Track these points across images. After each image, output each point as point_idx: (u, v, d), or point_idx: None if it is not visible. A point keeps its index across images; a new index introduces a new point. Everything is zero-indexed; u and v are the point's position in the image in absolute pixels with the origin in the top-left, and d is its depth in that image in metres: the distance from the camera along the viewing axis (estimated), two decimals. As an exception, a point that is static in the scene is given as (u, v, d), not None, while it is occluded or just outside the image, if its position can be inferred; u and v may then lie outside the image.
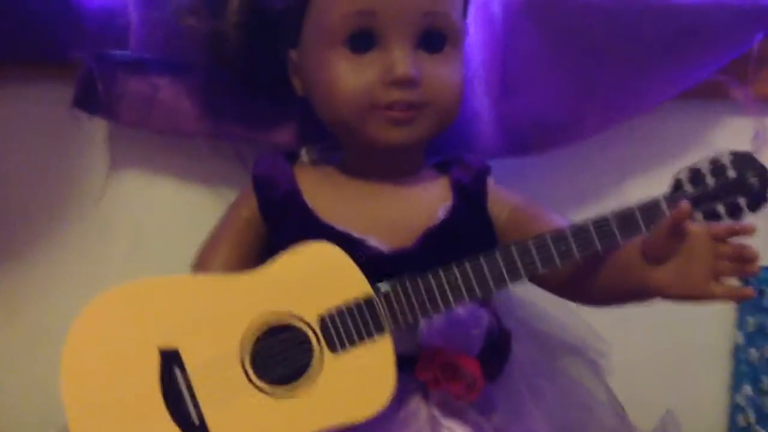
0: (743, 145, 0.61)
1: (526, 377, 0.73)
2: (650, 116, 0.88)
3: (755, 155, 0.62)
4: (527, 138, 0.84)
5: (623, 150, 0.90)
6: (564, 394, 0.75)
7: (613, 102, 0.85)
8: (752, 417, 0.92)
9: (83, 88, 0.81)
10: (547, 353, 0.79)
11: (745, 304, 0.93)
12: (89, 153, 0.90)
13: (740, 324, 0.94)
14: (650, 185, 0.64)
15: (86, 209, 0.90)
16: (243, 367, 0.61)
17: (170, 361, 0.61)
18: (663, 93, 0.85)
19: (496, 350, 0.70)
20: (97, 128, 0.88)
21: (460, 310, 0.66)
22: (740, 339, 0.94)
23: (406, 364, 0.65)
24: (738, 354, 0.95)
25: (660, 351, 0.96)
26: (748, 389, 0.93)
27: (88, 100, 0.81)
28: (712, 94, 0.87)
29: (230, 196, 0.79)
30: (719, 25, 0.84)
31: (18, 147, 0.89)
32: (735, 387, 0.95)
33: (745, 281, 0.89)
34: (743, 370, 0.94)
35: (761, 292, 0.89)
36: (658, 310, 0.92)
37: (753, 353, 0.92)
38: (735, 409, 0.95)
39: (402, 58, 0.67)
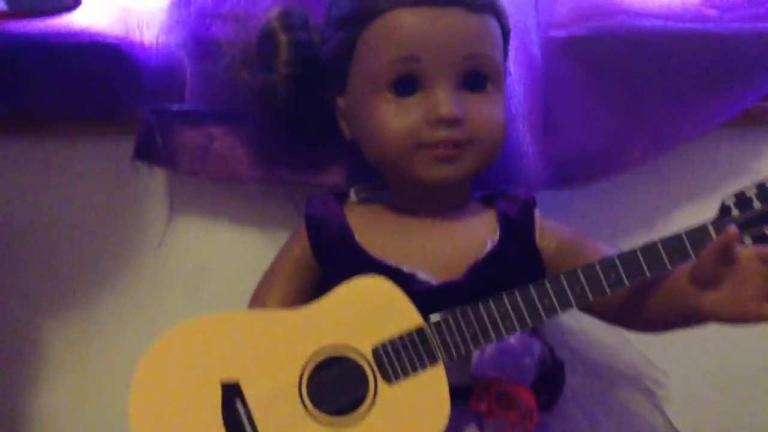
0: None
1: (582, 407, 0.73)
2: (695, 145, 0.88)
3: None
4: (572, 171, 0.86)
5: (669, 179, 0.91)
6: (621, 423, 0.75)
7: (655, 133, 0.86)
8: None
9: (143, 140, 0.85)
10: (602, 383, 0.79)
11: (803, 332, 0.91)
12: (149, 202, 0.93)
13: (801, 352, 0.92)
14: (697, 213, 0.65)
15: (146, 257, 0.93)
16: (301, 398, 0.63)
17: (232, 393, 0.63)
18: (705, 123, 0.86)
19: (549, 380, 0.70)
20: (156, 178, 0.92)
21: (512, 340, 0.67)
22: (801, 367, 0.92)
23: (460, 395, 0.66)
24: (801, 384, 0.93)
25: (721, 379, 0.94)
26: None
27: (148, 151, 0.86)
28: (756, 121, 0.88)
29: (284, 238, 0.81)
30: (759, 52, 0.85)
31: (81, 198, 0.93)
32: (800, 418, 0.93)
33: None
34: (807, 400, 0.91)
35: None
36: (716, 337, 0.93)
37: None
38: (799, 439, 0.93)
39: (445, 99, 0.69)
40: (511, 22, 0.77)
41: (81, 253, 0.94)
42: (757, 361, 0.94)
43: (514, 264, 0.72)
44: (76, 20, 0.85)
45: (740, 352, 0.94)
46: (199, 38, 0.84)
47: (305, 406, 0.63)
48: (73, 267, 0.94)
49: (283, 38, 0.77)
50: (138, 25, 0.86)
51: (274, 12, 0.79)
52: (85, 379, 0.95)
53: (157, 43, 0.86)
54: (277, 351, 0.64)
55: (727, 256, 0.58)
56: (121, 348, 0.93)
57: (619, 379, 0.81)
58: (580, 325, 0.82)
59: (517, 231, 0.74)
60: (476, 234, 0.73)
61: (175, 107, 0.86)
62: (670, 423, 0.79)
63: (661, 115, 0.86)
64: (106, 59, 0.86)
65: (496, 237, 0.73)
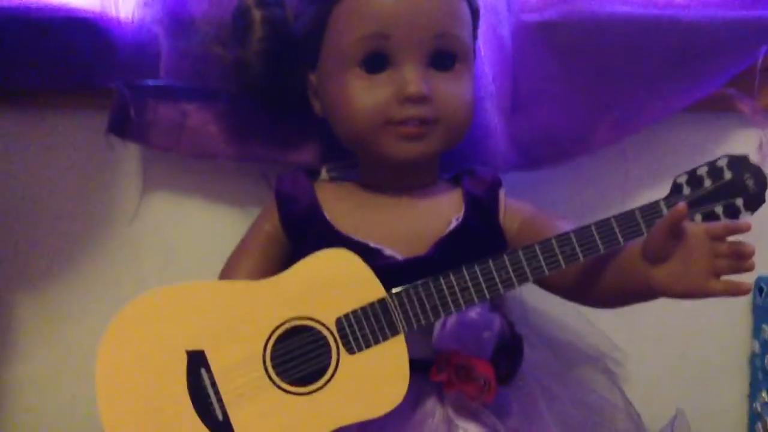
0: (750, 156, 0.63)
1: (539, 381, 0.75)
2: (658, 129, 0.90)
3: (758, 163, 0.64)
4: (538, 152, 0.87)
5: (632, 162, 0.93)
6: (578, 398, 0.77)
7: (621, 116, 0.87)
8: (770, 423, 0.92)
9: (117, 115, 0.86)
10: (562, 360, 0.81)
11: (759, 312, 0.94)
12: (122, 177, 0.94)
13: (756, 332, 0.95)
14: (660, 194, 0.66)
15: (119, 231, 0.94)
16: (265, 367, 0.65)
17: (196, 361, 0.64)
18: (670, 107, 0.88)
19: (508, 353, 0.72)
20: (130, 153, 0.92)
21: (472, 314, 0.68)
22: (756, 347, 0.95)
23: (421, 367, 0.68)
24: (754, 362, 0.95)
25: (678, 361, 0.97)
26: (765, 396, 0.93)
27: (122, 126, 0.86)
28: (718, 107, 0.89)
29: (255, 214, 0.83)
30: (725, 39, 0.87)
31: (54, 171, 0.94)
32: (752, 395, 0.96)
33: (759, 289, 0.91)
34: (760, 378, 0.94)
35: (775, 300, 0.91)
36: (675, 320, 0.95)
37: (768, 360, 0.93)
38: (754, 416, 0.96)
39: (414, 77, 0.70)
40: (482, 4, 0.78)
41: (54, 227, 0.94)
42: (715, 345, 0.97)
43: (478, 241, 0.73)
44: (54, -5, 0.86)
45: (700, 335, 0.97)
46: (175, 14, 0.84)
47: (269, 375, 0.65)
48: (47, 240, 0.94)
49: (257, 14, 0.78)
50: (114, 1, 0.86)
51: (249, -12, 0.79)
52: (59, 352, 0.95)
53: (132, 19, 0.86)
54: (242, 320, 0.65)
55: (676, 232, 0.60)
56: (93, 321, 0.91)
57: (579, 356, 0.82)
58: (542, 306, 0.83)
59: (481, 209, 0.76)
60: (442, 211, 0.75)
61: (150, 83, 0.86)
62: (628, 400, 0.80)
63: (626, 98, 0.87)
64: (81, 34, 0.85)
65: (461, 215, 0.74)
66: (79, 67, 0.87)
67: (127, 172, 0.94)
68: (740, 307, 0.97)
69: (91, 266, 0.95)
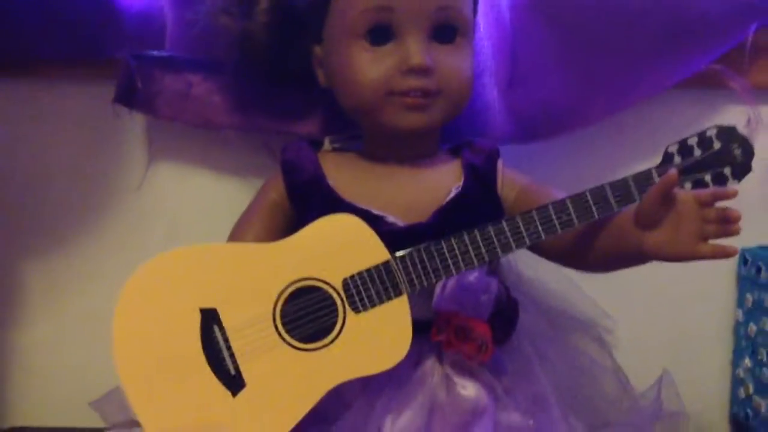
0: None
1: (533, 344, 0.78)
2: (652, 104, 0.93)
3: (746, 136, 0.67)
4: (536, 125, 0.90)
5: (627, 136, 0.95)
6: (569, 360, 0.80)
7: (616, 90, 0.90)
8: (751, 388, 0.96)
9: (124, 85, 0.87)
10: (554, 325, 0.84)
11: (744, 282, 0.98)
12: (128, 146, 0.96)
13: (740, 302, 0.99)
14: (651, 167, 0.68)
15: (125, 199, 0.97)
16: (275, 325, 0.68)
17: (210, 319, 0.67)
18: (663, 82, 0.90)
19: (504, 316, 0.75)
20: (136, 123, 0.94)
21: (471, 278, 0.71)
22: (740, 316, 0.99)
23: (422, 328, 0.71)
24: (738, 330, 0.99)
25: (665, 329, 1.01)
26: (747, 362, 0.97)
27: (128, 96, 0.88)
28: (710, 83, 0.92)
29: (259, 184, 0.84)
30: (716, 16, 0.89)
31: (62, 141, 0.96)
32: (736, 361, 1.00)
33: (743, 260, 0.95)
34: (743, 345, 0.98)
35: (758, 269, 0.94)
36: (663, 290, 0.99)
37: (752, 327, 0.96)
38: (736, 382, 1.00)
39: (417, 49, 0.72)
40: (482, -20, 0.80)
41: (62, 195, 0.97)
42: (702, 313, 1.01)
43: (477, 209, 0.76)
44: (60, -33, 0.88)
45: (687, 304, 1.01)
46: (180, -14, 0.85)
47: (279, 332, 0.68)
48: (54, 208, 0.97)
49: None
50: (120, -27, 0.88)
51: (254, -40, 0.81)
52: (66, 316, 0.98)
53: (138, -10, 0.88)
54: (253, 281, 0.68)
55: (667, 199, 0.63)
56: (100, 286, 0.96)
57: (571, 323, 0.85)
58: (536, 274, 0.86)
59: (480, 179, 0.78)
60: (442, 181, 0.77)
61: (156, 53, 0.88)
62: (617, 364, 0.83)
63: (621, 73, 0.89)
64: (88, 5, 0.87)
65: (461, 184, 0.77)
66: (86, 38, 0.89)
67: (133, 142, 0.96)
68: (725, 278, 1.00)
69: (97, 233, 0.97)
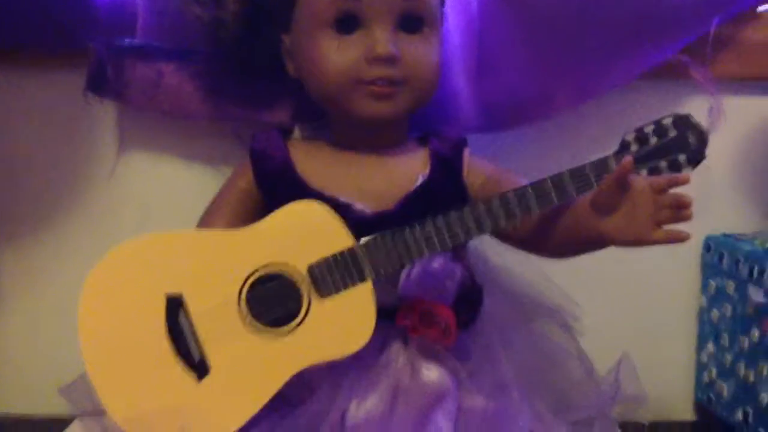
0: (701, 120, 0.67)
1: (497, 329, 0.80)
2: (617, 94, 0.94)
3: (707, 126, 0.69)
4: (502, 114, 0.91)
5: (592, 125, 0.97)
6: (534, 345, 0.82)
7: (581, 81, 0.91)
8: (715, 372, 0.98)
9: (94, 74, 0.88)
10: (521, 313, 0.86)
11: (707, 269, 1.00)
12: (99, 135, 0.97)
13: (704, 288, 1.01)
14: (611, 154, 0.70)
15: (97, 187, 0.97)
16: (240, 310, 0.69)
17: (175, 305, 0.68)
18: (627, 73, 0.92)
19: (468, 301, 0.77)
20: (107, 111, 0.94)
21: (435, 264, 0.72)
22: (704, 302, 1.01)
23: (388, 314, 0.72)
24: (702, 315, 1.02)
25: (631, 316, 1.03)
26: (710, 347, 0.99)
27: (99, 85, 0.88)
28: (673, 74, 0.93)
29: (229, 172, 0.85)
30: (679, 9, 0.91)
31: (32, 130, 0.96)
32: (699, 347, 1.02)
33: (707, 247, 0.97)
34: (706, 330, 1.00)
35: (721, 257, 0.96)
36: (628, 277, 1.00)
37: (714, 313, 0.98)
38: (700, 367, 1.02)
39: (383, 38, 0.73)
40: (449, -30, 0.81)
41: (33, 183, 0.97)
42: (666, 300, 1.03)
43: (443, 197, 0.77)
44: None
45: (652, 291, 1.03)
46: (151, -25, 0.86)
47: (244, 318, 0.69)
48: (26, 196, 0.97)
49: None
50: (92, -38, 0.88)
51: (224, -49, 0.81)
52: (38, 305, 0.99)
53: (109, -22, 0.88)
54: (218, 267, 0.69)
55: (623, 185, 0.64)
56: (72, 274, 0.93)
57: (537, 308, 0.87)
58: (504, 262, 0.87)
59: (447, 167, 0.79)
60: (409, 169, 0.79)
61: (127, 42, 0.88)
62: (581, 349, 0.84)
63: (585, 65, 0.91)
64: (59, -6, 0.87)
65: (427, 172, 0.78)
66: (58, 27, 0.88)
67: (104, 131, 0.97)
68: (689, 265, 1.02)
69: (69, 222, 0.98)
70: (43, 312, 0.98)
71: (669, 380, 1.03)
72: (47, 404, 0.94)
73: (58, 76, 0.94)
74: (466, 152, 0.82)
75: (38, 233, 0.98)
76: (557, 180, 0.67)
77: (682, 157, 0.67)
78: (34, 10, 0.87)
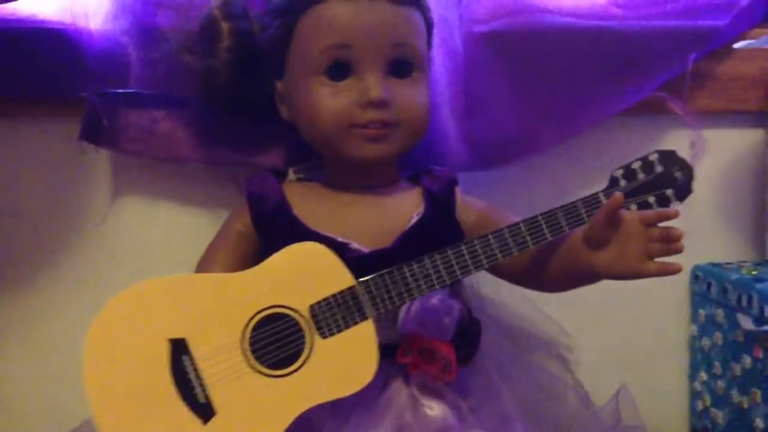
0: (683, 153, 0.71)
1: (496, 363, 0.81)
2: (600, 131, 0.97)
3: (689, 158, 0.72)
4: (490, 153, 0.94)
5: (577, 161, 0.99)
6: (531, 378, 0.83)
7: (565, 118, 0.94)
8: (709, 400, 1.00)
9: (89, 122, 0.89)
10: (517, 347, 0.87)
11: (696, 299, 1.02)
12: (93, 182, 0.97)
13: (694, 317, 1.03)
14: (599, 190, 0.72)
15: (91, 234, 0.97)
16: (243, 352, 0.69)
17: (179, 349, 0.69)
18: (610, 109, 0.95)
19: (467, 336, 0.78)
20: (101, 158, 0.95)
21: (434, 300, 0.74)
22: (695, 331, 1.03)
23: (388, 352, 0.73)
24: (693, 344, 1.03)
25: (623, 346, 1.04)
26: (703, 375, 1.01)
27: (94, 133, 0.89)
28: (654, 109, 0.97)
29: (224, 216, 0.86)
30: (658, 47, 0.94)
31: (27, 178, 0.96)
32: (692, 375, 1.04)
33: (695, 276, 0.99)
34: (698, 359, 1.02)
35: (709, 285, 0.98)
36: (619, 307, 1.02)
37: (705, 342, 1.00)
38: (694, 395, 1.03)
39: (375, 83, 0.76)
40: (435, 16, 0.84)
41: (29, 231, 0.97)
42: (657, 330, 1.05)
43: (437, 234, 0.79)
44: (23, 7, 0.89)
45: (643, 322, 1.05)
46: (144, 25, 0.88)
47: (247, 360, 0.69)
48: (21, 243, 0.97)
49: (224, 26, 0.82)
50: (84, 13, 0.89)
51: (216, 1, 0.83)
52: (35, 351, 0.98)
53: (102, 30, 0.89)
54: (221, 309, 0.70)
55: (613, 220, 0.66)
56: (68, 321, 0.96)
57: (532, 341, 0.88)
58: (497, 296, 0.89)
59: (440, 205, 0.81)
60: (404, 208, 0.80)
61: (120, 91, 0.89)
62: (577, 380, 0.86)
63: (569, 102, 0.94)
64: (52, 45, 0.88)
65: (421, 210, 0.80)
66: (49, 77, 0.90)
67: (98, 177, 0.97)
68: (679, 294, 1.05)
69: (65, 268, 0.98)
70: (40, 358, 0.98)
71: (663, 410, 1.05)
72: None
73: (50, 124, 0.95)
74: (458, 190, 0.84)
75: (33, 279, 0.98)
76: (550, 216, 0.70)
77: (669, 192, 0.69)
78: (25, 61, 0.89)
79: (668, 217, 0.66)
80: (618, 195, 0.65)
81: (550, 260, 0.74)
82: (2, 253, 0.96)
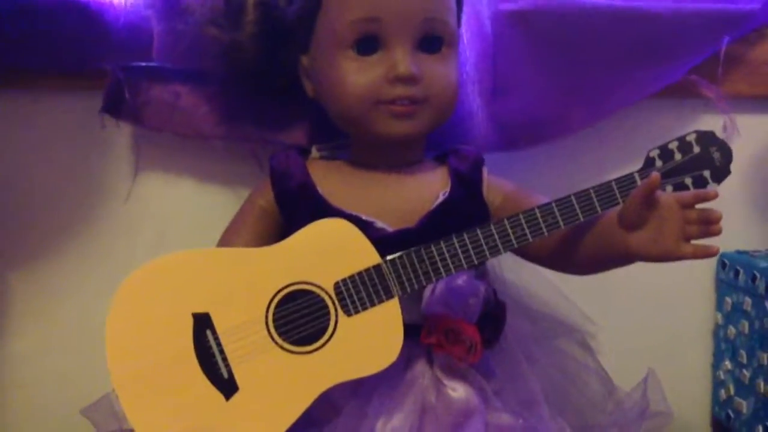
0: None
1: (521, 345, 0.80)
2: (630, 113, 0.96)
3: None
4: (517, 134, 0.92)
5: (606, 144, 0.98)
6: (554, 363, 0.82)
7: (594, 100, 0.93)
8: (732, 389, 0.98)
9: (112, 96, 0.88)
10: (540, 329, 0.86)
11: (722, 286, 1.00)
12: (116, 157, 0.96)
13: (719, 305, 1.01)
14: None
15: (113, 209, 0.97)
16: (267, 328, 0.68)
17: (202, 323, 0.68)
18: (640, 92, 0.93)
19: (492, 319, 0.76)
20: (123, 133, 0.95)
21: (460, 281, 0.72)
22: (720, 319, 1.01)
23: (412, 332, 0.72)
24: (718, 332, 1.02)
25: (647, 333, 1.03)
26: (728, 364, 0.99)
27: (116, 107, 0.89)
28: (685, 93, 0.95)
29: (246, 193, 0.85)
30: (691, 29, 0.92)
31: (50, 152, 0.96)
32: (716, 364, 1.02)
33: (722, 263, 0.97)
34: (723, 347, 1.00)
35: (736, 273, 0.97)
36: (644, 294, 1.01)
37: (731, 330, 0.98)
38: (717, 384, 1.02)
39: (404, 58, 0.74)
40: (465, -7, 0.82)
41: (50, 205, 0.96)
42: (682, 318, 1.04)
43: (464, 214, 0.77)
44: (47, -20, 0.88)
45: (668, 309, 1.03)
46: (167, -2, 0.87)
47: (271, 336, 0.68)
48: (41, 218, 0.96)
49: None
50: (108, -15, 0.88)
51: (241, -27, 0.82)
52: (52, 328, 0.98)
53: (126, 2, 0.88)
54: (245, 285, 0.69)
55: (649, 201, 0.65)
56: (87, 297, 0.96)
57: (555, 326, 0.87)
58: (520, 280, 0.88)
59: (466, 185, 0.80)
60: (429, 187, 0.79)
61: (143, 65, 0.89)
62: (601, 366, 0.85)
63: (598, 83, 0.92)
64: (76, 18, 0.87)
65: (448, 189, 0.78)
66: (72, 50, 0.89)
67: (120, 153, 0.96)
68: (704, 282, 1.03)
69: (85, 244, 0.97)
70: (57, 335, 0.98)
71: (686, 398, 1.03)
72: (61, 428, 0.93)
73: (73, 98, 0.94)
74: (485, 170, 0.82)
75: (53, 255, 0.97)
76: (583, 196, 0.68)
77: (706, 173, 0.68)
78: (49, 34, 0.88)
79: (707, 198, 0.64)
80: (655, 175, 0.64)
81: (582, 241, 0.72)
82: (20, 227, 0.96)
